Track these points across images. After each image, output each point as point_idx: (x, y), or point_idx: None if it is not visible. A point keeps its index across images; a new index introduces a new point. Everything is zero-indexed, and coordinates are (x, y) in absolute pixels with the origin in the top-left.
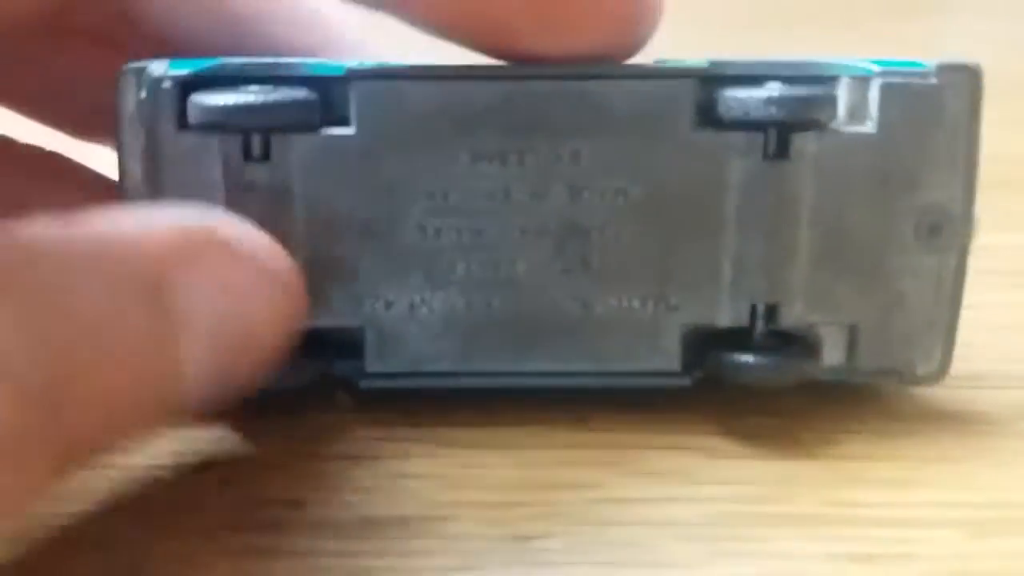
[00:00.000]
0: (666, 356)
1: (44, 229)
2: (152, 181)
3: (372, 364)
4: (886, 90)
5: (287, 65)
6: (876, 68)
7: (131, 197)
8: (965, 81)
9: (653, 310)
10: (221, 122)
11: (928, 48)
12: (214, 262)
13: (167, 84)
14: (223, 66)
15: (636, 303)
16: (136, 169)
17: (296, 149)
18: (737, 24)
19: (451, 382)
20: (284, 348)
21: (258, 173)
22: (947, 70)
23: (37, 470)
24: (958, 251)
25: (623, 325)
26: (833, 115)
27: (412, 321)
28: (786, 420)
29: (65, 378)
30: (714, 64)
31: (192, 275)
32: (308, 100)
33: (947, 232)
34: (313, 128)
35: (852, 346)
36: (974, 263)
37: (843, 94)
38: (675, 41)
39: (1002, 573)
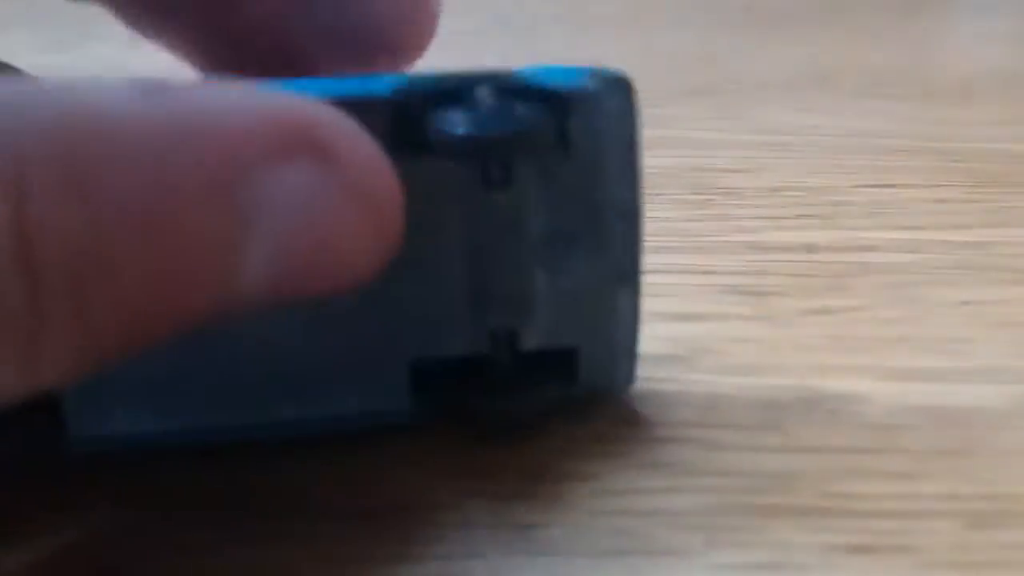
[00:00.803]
0: (396, 391)
1: (128, 98)
2: None
3: (76, 427)
4: (584, 113)
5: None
6: (565, 87)
7: None
8: (629, 94)
9: (380, 346)
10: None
11: (930, 46)
12: (302, 165)
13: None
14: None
15: (361, 341)
16: None
17: None
18: (732, 22)
19: (168, 441)
20: (367, 272)
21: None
22: (605, 81)
23: (49, 358)
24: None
25: (351, 363)
26: (554, 137)
27: (115, 382)
28: (781, 413)
29: (93, 253)
30: (412, 81)
31: (274, 174)
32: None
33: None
34: None
35: (574, 368)
36: (975, 260)
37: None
38: (668, 38)
39: (1001, 565)
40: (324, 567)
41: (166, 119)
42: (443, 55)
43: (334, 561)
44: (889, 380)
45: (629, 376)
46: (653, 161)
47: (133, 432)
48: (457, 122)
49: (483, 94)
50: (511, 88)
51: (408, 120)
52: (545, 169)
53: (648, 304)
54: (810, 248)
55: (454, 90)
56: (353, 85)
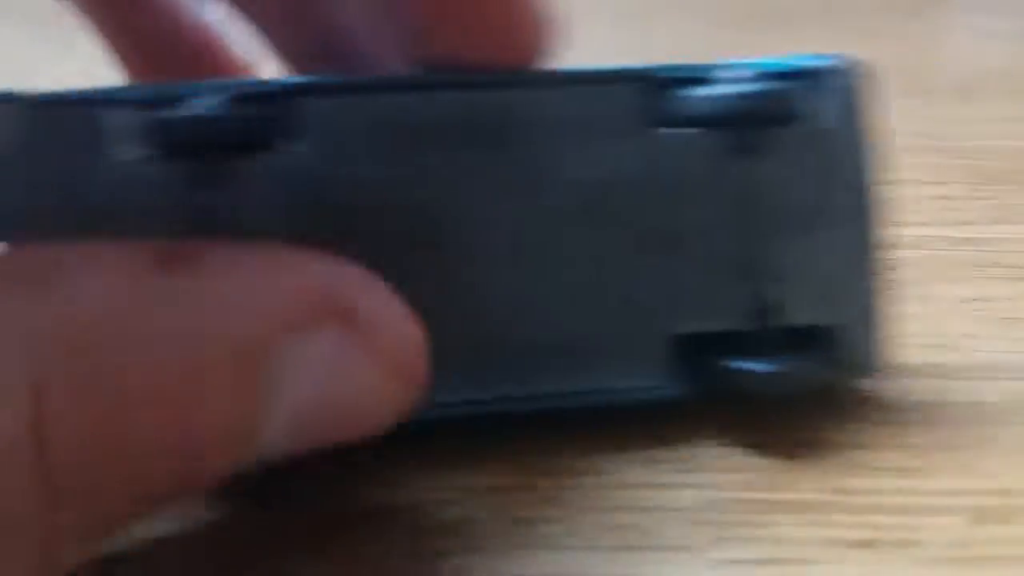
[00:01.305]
0: (656, 370)
1: (134, 272)
2: (68, 223)
3: None
4: (833, 88)
5: (211, 87)
6: (817, 65)
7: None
8: (870, 78)
9: (640, 320)
10: (182, 141)
11: (931, 44)
12: (335, 340)
13: (77, 108)
14: (128, 90)
15: (622, 313)
16: (44, 208)
17: (256, 170)
18: (732, 22)
19: (427, 415)
20: (390, 422)
21: (214, 200)
22: (857, 65)
23: (64, 549)
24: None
25: (609, 339)
26: (802, 109)
27: None
28: (788, 408)
29: (108, 450)
30: (657, 67)
31: (300, 344)
32: (266, 117)
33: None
34: (276, 147)
35: (835, 345)
36: (978, 257)
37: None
38: (668, 38)
39: (1004, 560)
40: (323, 564)
41: (185, 299)
42: None
43: (335, 556)
44: (893, 376)
45: (880, 357)
46: None
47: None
48: (708, 94)
49: (728, 74)
50: (755, 70)
51: (658, 94)
52: (794, 141)
53: None
54: None
55: (697, 72)
56: (599, 68)
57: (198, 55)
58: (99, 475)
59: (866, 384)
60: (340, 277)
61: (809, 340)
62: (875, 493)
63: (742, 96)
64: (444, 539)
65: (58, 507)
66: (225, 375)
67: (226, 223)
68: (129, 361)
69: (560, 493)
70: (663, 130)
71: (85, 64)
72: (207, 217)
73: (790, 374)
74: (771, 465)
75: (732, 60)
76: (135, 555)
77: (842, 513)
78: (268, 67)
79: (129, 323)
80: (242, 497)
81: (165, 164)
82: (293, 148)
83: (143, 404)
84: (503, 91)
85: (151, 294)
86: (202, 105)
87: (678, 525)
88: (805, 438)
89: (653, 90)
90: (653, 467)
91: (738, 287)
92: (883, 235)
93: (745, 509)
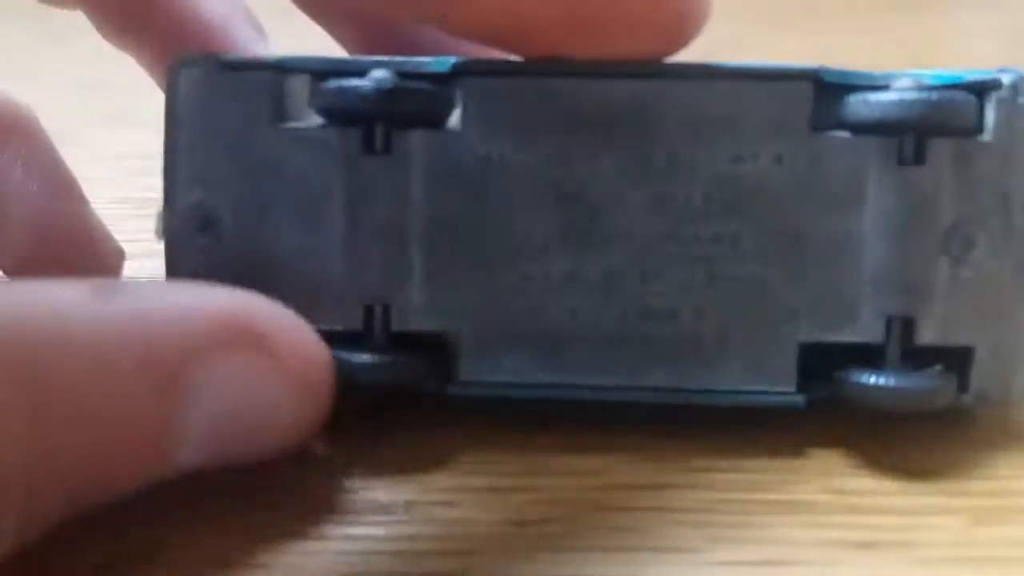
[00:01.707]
0: (782, 374)
1: (75, 302)
2: (241, 181)
3: (466, 372)
4: (1001, 102)
5: (384, 62)
6: (987, 79)
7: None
8: None
9: (771, 323)
10: (355, 109)
11: (931, 41)
12: (241, 356)
13: (262, 74)
14: (309, 60)
15: (753, 315)
16: (220, 167)
17: (417, 144)
18: (732, 15)
19: (547, 394)
20: (297, 443)
21: (377, 168)
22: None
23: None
24: None
25: (737, 340)
26: (972, 122)
27: (512, 330)
28: (783, 412)
29: (59, 468)
30: (824, 71)
31: (215, 367)
32: (439, 92)
33: None
34: (443, 122)
35: (967, 370)
36: None
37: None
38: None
39: (1004, 561)
40: (325, 559)
41: (114, 320)
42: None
43: (334, 554)
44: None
45: (1020, 388)
46: None
47: (516, 382)
48: (875, 101)
49: (900, 83)
50: (927, 80)
51: (829, 97)
52: (959, 154)
53: None
54: None
55: (865, 80)
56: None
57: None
58: (31, 475)
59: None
60: (251, 305)
61: (950, 361)
62: (874, 494)
63: (908, 104)
64: (444, 539)
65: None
66: (144, 392)
67: (386, 190)
68: (62, 376)
69: (558, 494)
70: (826, 133)
71: (84, 63)
72: (369, 183)
73: (912, 393)
74: (769, 466)
75: (900, 71)
76: None
77: (841, 514)
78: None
79: (64, 340)
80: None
81: (335, 130)
82: (451, 124)
83: (70, 417)
84: (662, 81)
85: (85, 319)
86: (373, 78)
87: (676, 526)
88: (800, 440)
89: (820, 92)
90: (651, 468)
91: (875, 298)
92: None
93: (743, 510)
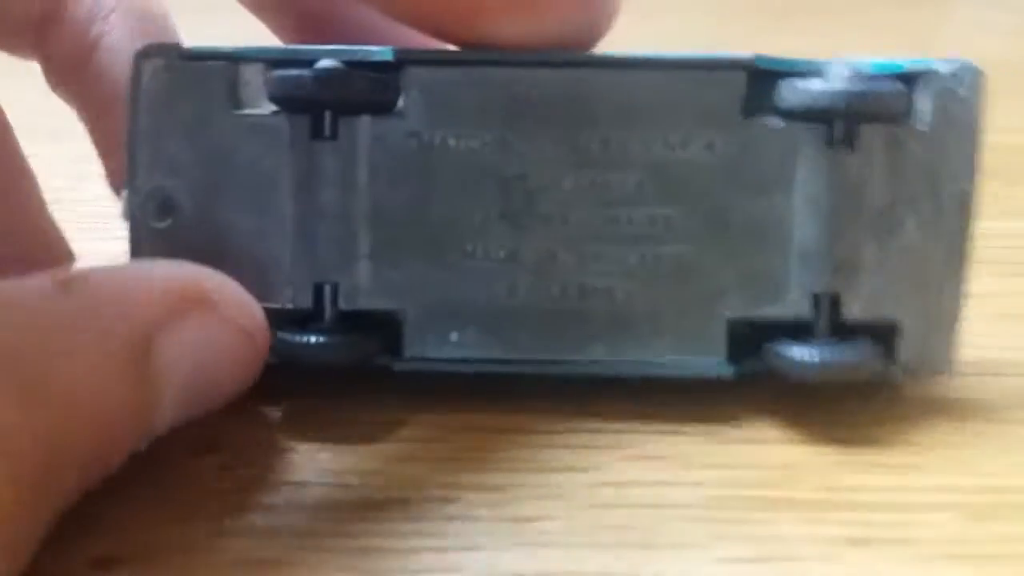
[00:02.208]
0: (712, 348)
1: (41, 295)
2: (199, 167)
3: (412, 349)
4: (936, 91)
5: (332, 51)
6: (922, 68)
7: (158, 178)
8: (981, 81)
9: (702, 300)
10: (304, 96)
11: (930, 38)
12: (199, 322)
13: (218, 63)
14: (263, 50)
15: (684, 293)
16: (179, 153)
17: (363, 130)
18: (733, 12)
19: (492, 368)
20: (243, 388)
21: (325, 153)
22: (969, 71)
23: (24, 541)
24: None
25: (670, 316)
26: (903, 110)
27: (456, 307)
28: (785, 405)
29: (56, 450)
30: (760, 59)
31: (178, 335)
32: (384, 80)
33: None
34: (388, 109)
35: (894, 343)
36: (975, 252)
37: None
38: (665, 28)
39: (1000, 557)
40: (324, 558)
41: (81, 308)
42: None
43: (333, 552)
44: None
45: (948, 359)
46: None
47: (460, 357)
48: (804, 88)
49: (833, 71)
50: (862, 68)
51: (762, 85)
52: (891, 141)
53: None
54: None
55: (800, 67)
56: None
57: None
58: (51, 469)
59: (863, 381)
60: (195, 274)
61: (879, 335)
62: (872, 490)
63: (838, 92)
64: (442, 536)
65: (24, 495)
66: (120, 369)
67: (334, 173)
68: (36, 361)
69: (557, 491)
70: (758, 119)
71: None
72: (318, 167)
73: (836, 365)
74: (768, 462)
75: (837, 58)
76: None
77: (839, 511)
78: None
79: (42, 337)
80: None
81: (285, 117)
82: (397, 111)
83: (55, 403)
84: (598, 70)
85: (52, 309)
86: (321, 67)
87: (675, 523)
88: (799, 436)
89: (756, 79)
90: (650, 464)
91: (804, 276)
92: (968, 242)
93: (742, 506)
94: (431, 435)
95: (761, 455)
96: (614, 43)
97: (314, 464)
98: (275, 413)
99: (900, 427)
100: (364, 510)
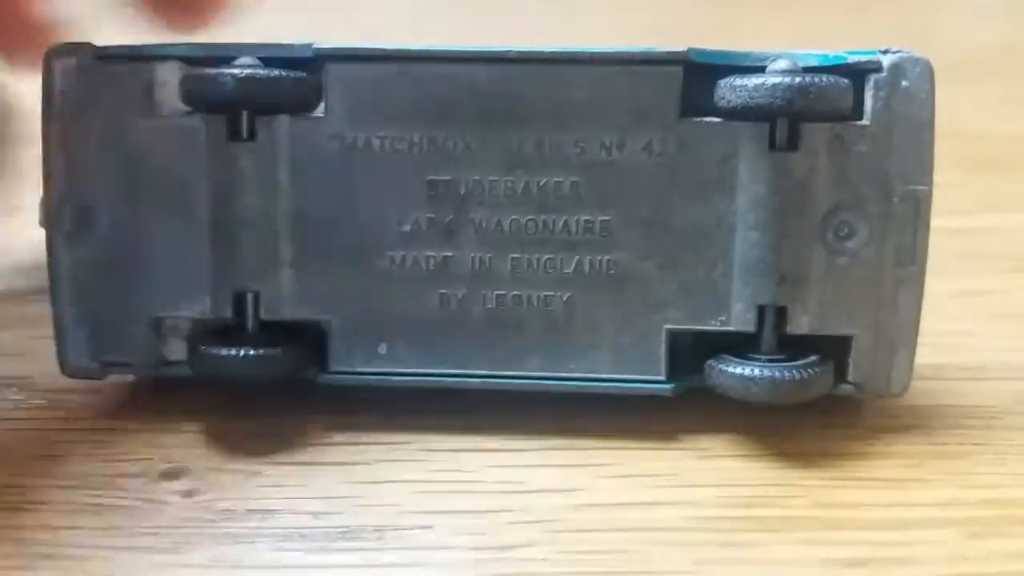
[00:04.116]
0: (651, 362)
1: None
2: (114, 171)
3: (338, 361)
4: (880, 85)
5: (252, 47)
6: (866, 61)
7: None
8: (928, 74)
9: (641, 312)
10: (217, 97)
11: (920, 24)
12: None
13: (133, 63)
14: (178, 47)
15: (622, 303)
16: (93, 158)
17: (282, 131)
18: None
19: (423, 382)
20: None
21: (243, 155)
22: (913, 62)
23: None
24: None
25: (609, 328)
26: (846, 106)
27: (384, 318)
28: (777, 417)
29: None
30: (695, 52)
31: None
32: (298, 79)
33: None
34: (309, 109)
35: (845, 359)
36: (971, 247)
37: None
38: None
39: None
40: None
41: None
42: (447, 25)
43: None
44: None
45: (905, 377)
46: None
47: (389, 371)
48: (742, 85)
49: (776, 66)
50: (805, 63)
51: (701, 81)
52: (835, 139)
53: None
54: None
55: (744, 61)
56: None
57: None
58: None
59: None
60: None
61: (829, 350)
62: (870, 507)
63: (777, 88)
64: (420, 567)
65: None
66: None
67: (252, 177)
68: None
69: (540, 515)
70: (696, 119)
71: None
72: (235, 170)
73: (780, 383)
74: (758, 479)
75: (777, 51)
76: None
77: (834, 529)
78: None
79: None
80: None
81: (201, 118)
82: (317, 110)
83: None
84: (529, 66)
85: None
86: (235, 65)
87: (661, 547)
88: (792, 449)
89: (693, 75)
90: (634, 484)
91: (748, 287)
92: (922, 247)
93: (734, 527)
94: (403, 455)
95: (750, 471)
96: (585, 33)
97: (282, 489)
98: (241, 435)
99: (896, 438)
100: (335, 538)
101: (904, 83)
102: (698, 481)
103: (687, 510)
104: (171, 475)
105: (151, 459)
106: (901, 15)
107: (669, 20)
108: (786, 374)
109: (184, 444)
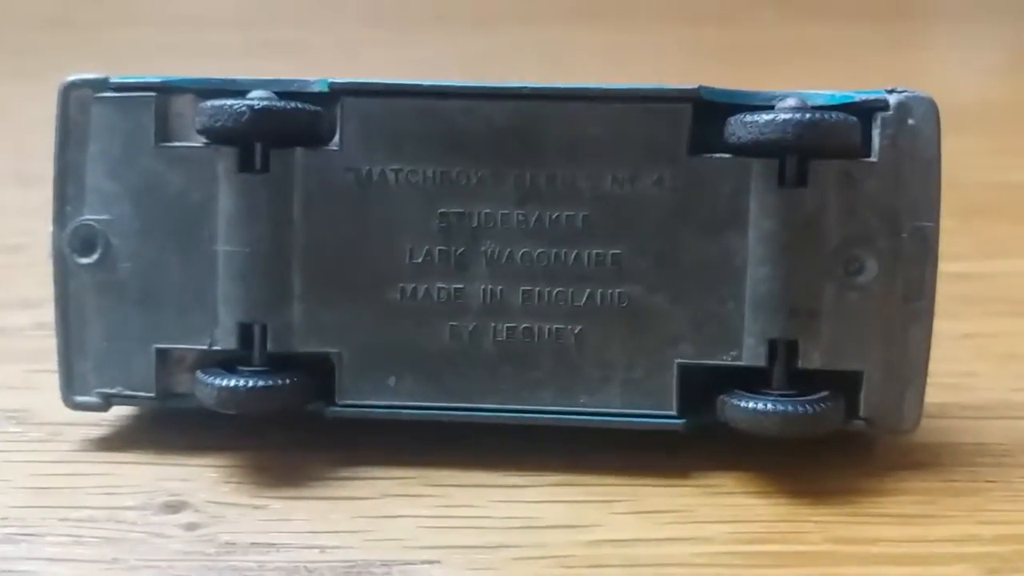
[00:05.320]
0: (663, 396)
1: None
2: (127, 201)
3: (346, 394)
4: (887, 123)
5: (266, 82)
6: (873, 100)
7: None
8: (933, 113)
9: (652, 346)
10: (231, 128)
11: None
12: None
13: (145, 95)
14: (194, 80)
15: (634, 337)
16: (107, 188)
17: (296, 163)
18: (714, 55)
19: (432, 416)
20: None
21: (256, 186)
22: (919, 101)
23: None
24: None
25: (620, 362)
26: (854, 143)
27: (394, 351)
28: (790, 454)
29: None
30: (706, 90)
31: None
32: (312, 111)
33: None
34: (323, 142)
35: (856, 395)
36: (973, 291)
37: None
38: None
39: None
40: None
41: None
42: (423, 49)
43: None
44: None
45: (916, 413)
46: None
47: (398, 404)
48: (752, 122)
49: (785, 103)
50: (814, 102)
51: (711, 119)
52: (844, 175)
53: None
54: None
55: (754, 100)
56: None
57: None
58: None
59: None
60: None
61: (840, 386)
62: (883, 543)
63: (786, 125)
64: None
65: None
66: None
67: (265, 208)
68: None
69: (550, 551)
70: (706, 155)
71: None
72: (247, 201)
73: (791, 418)
74: (770, 515)
75: (786, 90)
76: None
77: (849, 565)
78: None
79: None
80: None
81: (214, 149)
82: (333, 144)
83: None
84: (544, 102)
85: None
86: (250, 97)
87: None
88: (808, 485)
89: (704, 112)
90: (646, 520)
91: (759, 322)
92: (930, 282)
93: (747, 564)
94: (411, 490)
95: (763, 508)
96: (589, 59)
97: (287, 524)
98: (246, 469)
99: (909, 475)
100: (343, 574)
101: (910, 121)
102: (710, 517)
103: (699, 546)
104: (173, 508)
105: (153, 491)
106: (896, 71)
107: (668, 78)
108: (798, 408)
109: (187, 477)
